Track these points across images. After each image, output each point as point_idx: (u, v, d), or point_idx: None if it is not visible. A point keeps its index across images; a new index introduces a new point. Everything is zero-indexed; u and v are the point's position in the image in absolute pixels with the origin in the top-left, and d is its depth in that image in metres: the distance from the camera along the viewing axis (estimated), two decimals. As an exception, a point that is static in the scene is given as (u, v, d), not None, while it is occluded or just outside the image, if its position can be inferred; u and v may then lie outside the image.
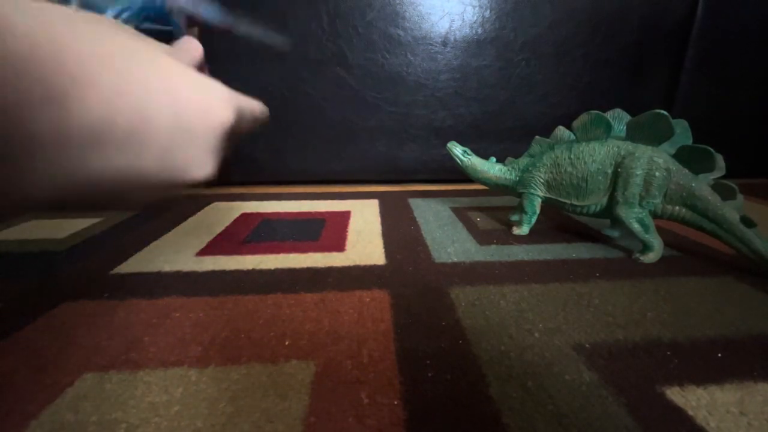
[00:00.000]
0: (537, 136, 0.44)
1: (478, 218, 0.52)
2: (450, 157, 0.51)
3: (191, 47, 0.20)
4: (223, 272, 0.36)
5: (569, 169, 0.40)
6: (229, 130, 0.16)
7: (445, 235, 0.45)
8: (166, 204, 0.58)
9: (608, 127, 0.38)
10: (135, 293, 0.32)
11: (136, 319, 0.28)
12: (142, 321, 0.28)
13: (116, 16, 0.28)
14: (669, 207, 0.37)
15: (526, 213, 0.45)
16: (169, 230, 0.47)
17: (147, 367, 0.23)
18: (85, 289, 0.32)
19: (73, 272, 0.36)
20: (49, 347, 0.25)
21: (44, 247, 0.42)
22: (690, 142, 0.37)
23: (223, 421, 0.19)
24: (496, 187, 0.48)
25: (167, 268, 0.36)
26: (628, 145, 0.37)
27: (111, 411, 0.20)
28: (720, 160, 0.36)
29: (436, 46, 0.67)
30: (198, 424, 0.19)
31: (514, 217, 0.48)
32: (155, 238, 0.44)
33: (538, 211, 0.44)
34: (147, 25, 0.30)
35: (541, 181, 0.43)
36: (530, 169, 0.44)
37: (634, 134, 0.38)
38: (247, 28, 0.28)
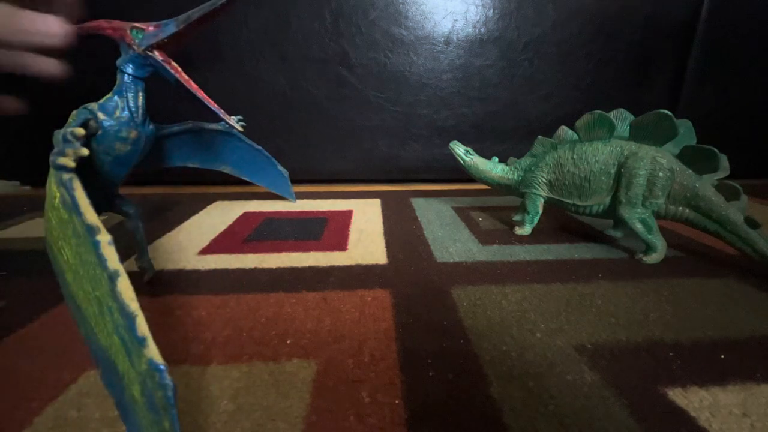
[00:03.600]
0: (540, 136, 0.44)
1: (480, 218, 0.52)
2: (452, 157, 0.51)
3: None
4: (226, 271, 0.36)
5: (572, 169, 0.40)
6: None
7: (447, 234, 0.45)
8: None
9: (611, 127, 0.38)
10: (137, 291, 0.32)
11: (138, 317, 0.28)
12: (144, 318, 0.28)
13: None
14: (672, 207, 0.37)
15: (528, 213, 0.45)
16: (172, 229, 0.47)
17: (149, 364, 0.23)
18: (89, 287, 0.32)
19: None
20: (53, 345, 0.25)
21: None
22: (694, 142, 0.37)
23: (224, 419, 0.19)
24: (499, 187, 0.48)
25: (170, 266, 0.36)
26: (632, 145, 0.37)
27: (113, 408, 0.20)
28: (724, 161, 0.35)
29: (438, 46, 0.67)
30: (200, 422, 0.19)
31: (517, 217, 0.48)
32: (158, 237, 0.44)
33: (540, 211, 0.44)
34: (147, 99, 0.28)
35: (544, 181, 0.43)
36: (533, 169, 0.44)
37: (637, 134, 0.37)
38: (196, 12, 0.26)
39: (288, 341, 0.25)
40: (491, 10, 0.65)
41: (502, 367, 0.23)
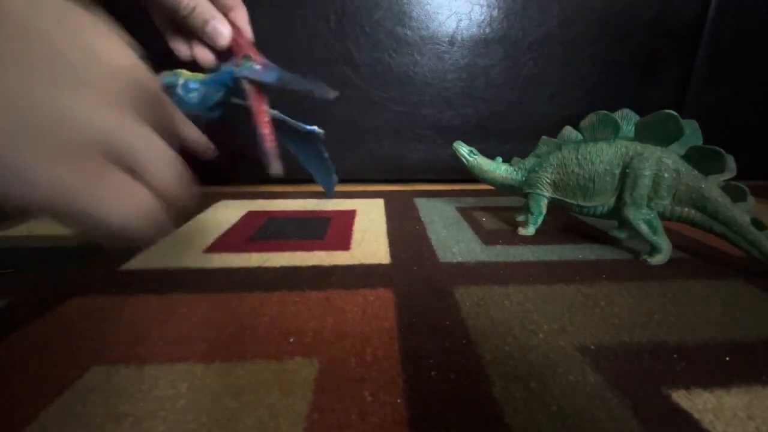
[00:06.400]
0: (544, 136, 0.44)
1: (484, 218, 0.52)
2: (456, 157, 0.51)
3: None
4: (230, 269, 0.36)
5: (576, 169, 0.40)
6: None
7: (450, 234, 0.45)
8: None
9: (616, 128, 0.38)
10: (143, 289, 0.32)
11: (143, 315, 0.28)
12: (150, 316, 0.28)
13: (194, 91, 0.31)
14: (678, 208, 0.37)
15: (532, 213, 0.44)
16: (177, 227, 0.48)
17: (154, 361, 0.23)
18: (94, 285, 0.33)
19: (83, 268, 0.36)
20: (58, 341, 0.25)
21: (54, 242, 0.42)
22: (700, 142, 0.36)
23: (227, 416, 0.19)
24: (502, 188, 0.48)
25: (174, 264, 0.37)
26: (637, 146, 0.37)
27: (118, 404, 0.20)
28: (730, 162, 0.35)
29: (443, 46, 0.67)
30: (203, 419, 0.19)
31: (520, 218, 0.48)
32: (163, 236, 0.45)
33: (544, 212, 0.44)
34: (229, 99, 0.32)
35: (548, 181, 0.43)
36: (537, 169, 0.44)
37: (642, 135, 0.37)
38: (295, 82, 0.30)
39: (291, 340, 0.25)
40: (496, 10, 0.65)
41: (504, 367, 0.23)
